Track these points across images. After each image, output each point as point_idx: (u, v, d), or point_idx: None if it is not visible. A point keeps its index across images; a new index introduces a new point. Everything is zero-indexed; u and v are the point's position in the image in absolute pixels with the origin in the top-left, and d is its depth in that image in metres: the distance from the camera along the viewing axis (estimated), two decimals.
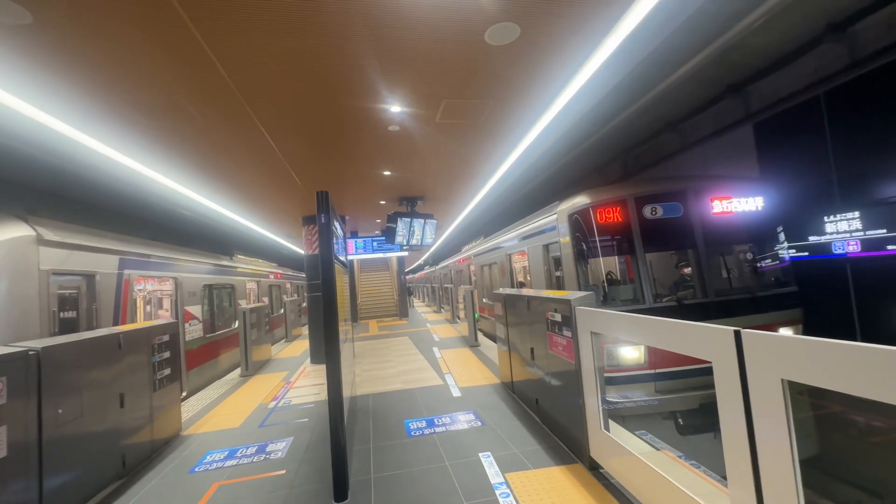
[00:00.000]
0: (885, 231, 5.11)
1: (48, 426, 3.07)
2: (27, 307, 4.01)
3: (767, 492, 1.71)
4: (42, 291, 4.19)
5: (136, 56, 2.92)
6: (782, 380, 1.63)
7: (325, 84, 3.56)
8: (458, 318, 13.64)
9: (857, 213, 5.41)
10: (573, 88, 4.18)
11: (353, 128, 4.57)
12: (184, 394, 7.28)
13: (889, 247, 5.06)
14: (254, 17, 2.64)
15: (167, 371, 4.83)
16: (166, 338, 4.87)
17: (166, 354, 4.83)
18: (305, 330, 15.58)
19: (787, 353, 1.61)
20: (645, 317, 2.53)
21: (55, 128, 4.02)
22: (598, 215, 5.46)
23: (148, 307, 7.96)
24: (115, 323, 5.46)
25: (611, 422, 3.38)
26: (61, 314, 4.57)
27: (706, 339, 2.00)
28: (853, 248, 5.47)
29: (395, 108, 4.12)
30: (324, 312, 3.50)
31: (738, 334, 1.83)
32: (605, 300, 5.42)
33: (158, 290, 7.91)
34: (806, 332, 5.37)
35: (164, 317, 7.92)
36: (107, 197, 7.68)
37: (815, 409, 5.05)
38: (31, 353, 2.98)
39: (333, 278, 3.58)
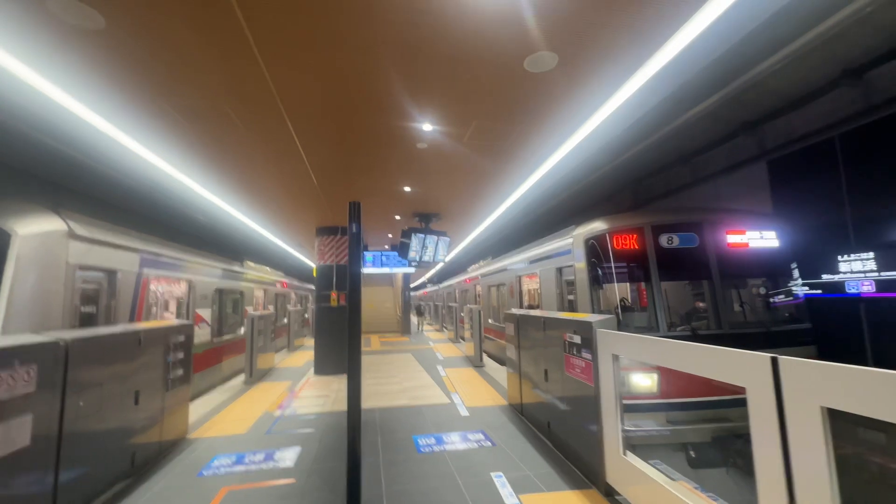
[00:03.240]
0: None
1: (69, 418, 3.07)
2: (52, 299, 4.06)
3: None
4: (67, 285, 4.24)
5: (192, 62, 3.07)
6: (822, 407, 1.66)
7: (363, 100, 3.70)
8: (463, 338, 13.56)
9: (871, 254, 5.46)
10: (599, 118, 4.33)
11: (383, 143, 4.70)
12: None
13: None
14: (306, 32, 2.78)
15: (180, 372, 4.83)
16: (181, 338, 4.89)
17: (180, 355, 4.85)
18: (307, 341, 15.50)
19: (827, 380, 1.64)
20: (675, 341, 2.56)
21: (96, 125, 4.16)
22: (615, 241, 5.53)
23: (161, 307, 7.98)
24: (131, 320, 5.49)
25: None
26: (82, 308, 4.62)
27: (741, 365, 2.03)
28: (867, 287, 5.49)
29: (427, 126, 4.26)
30: (348, 324, 3.54)
31: (775, 361, 1.86)
32: (619, 326, 5.42)
33: (173, 290, 7.95)
34: None
35: (176, 318, 7.93)
36: (133, 196, 7.83)
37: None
38: (60, 343, 3.02)
39: (359, 291, 3.64)
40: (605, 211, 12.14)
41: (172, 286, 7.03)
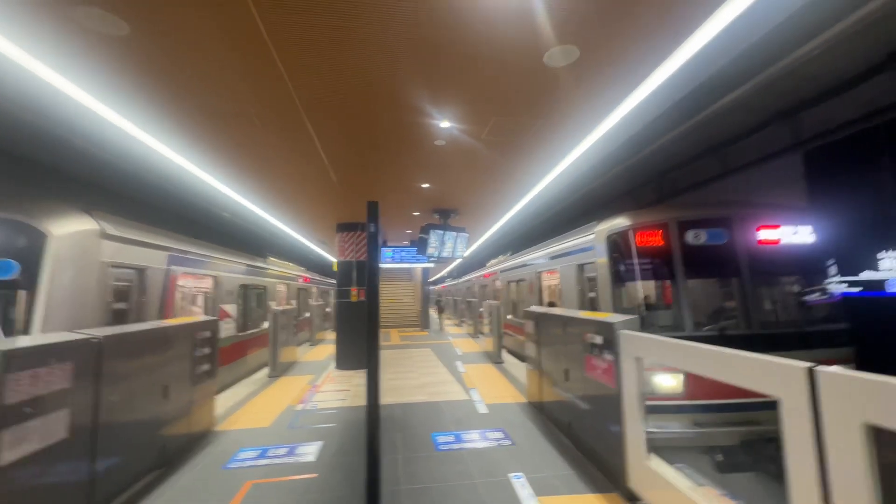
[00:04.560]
0: None
1: (103, 412, 3.20)
2: (87, 297, 4.23)
3: None
4: (100, 282, 4.41)
5: (213, 65, 3.11)
6: (864, 423, 1.56)
7: (379, 98, 3.69)
8: (482, 333, 13.54)
9: None
10: (623, 111, 4.19)
11: (401, 140, 4.68)
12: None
13: None
14: (323, 33, 2.77)
15: (206, 366, 4.98)
16: (207, 334, 5.03)
17: (206, 350, 4.99)
18: (329, 335, 15.78)
19: (871, 394, 1.54)
20: (702, 345, 2.46)
21: (124, 127, 4.29)
22: (639, 238, 5.37)
23: (188, 302, 8.25)
24: (161, 317, 5.69)
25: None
26: (114, 305, 4.80)
27: (774, 374, 1.94)
28: None
29: (445, 123, 4.21)
30: (367, 320, 3.55)
31: (811, 372, 1.76)
32: (643, 325, 5.28)
33: (197, 286, 8.20)
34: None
35: (202, 313, 8.19)
36: (161, 194, 8.08)
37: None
38: (94, 340, 3.15)
39: (377, 288, 3.64)
40: (628, 205, 11.83)
41: (199, 282, 7.23)
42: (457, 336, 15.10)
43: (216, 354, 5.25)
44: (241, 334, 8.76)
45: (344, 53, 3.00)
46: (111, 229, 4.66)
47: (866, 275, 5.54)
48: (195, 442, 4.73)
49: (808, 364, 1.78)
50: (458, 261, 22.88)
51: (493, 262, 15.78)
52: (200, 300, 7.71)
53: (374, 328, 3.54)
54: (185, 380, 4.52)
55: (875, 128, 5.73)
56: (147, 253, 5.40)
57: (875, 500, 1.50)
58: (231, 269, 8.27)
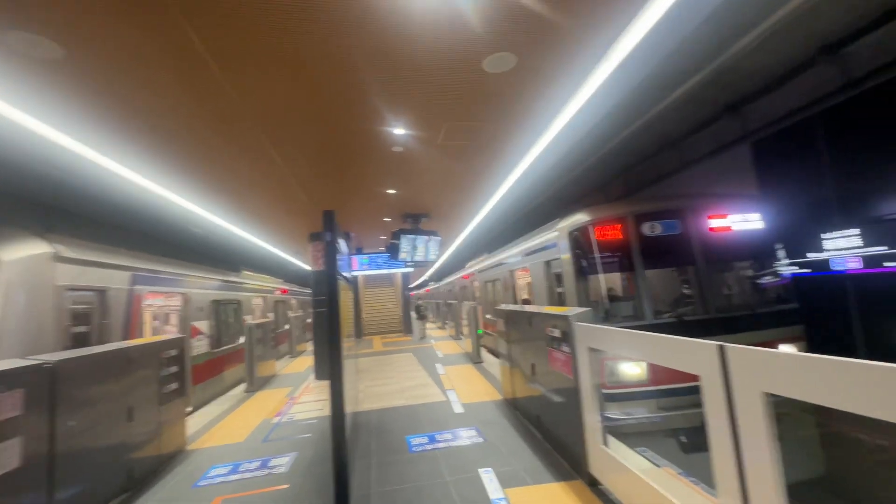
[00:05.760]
0: (885, 248, 5.14)
1: (60, 438, 3.16)
2: (42, 322, 4.15)
3: (755, 501, 1.76)
4: (56, 307, 4.33)
5: (155, 85, 3.12)
6: (763, 392, 1.70)
7: (331, 108, 3.75)
8: (462, 335, 13.64)
9: (857, 231, 5.46)
10: (571, 111, 4.35)
11: (359, 148, 4.75)
12: (189, 408, 7.34)
13: (886, 263, 5.09)
14: (270, 51, 2.83)
15: (174, 385, 4.92)
16: (174, 352, 4.97)
17: (174, 369, 4.93)
18: (310, 346, 15.63)
19: (768, 367, 1.69)
20: (637, 332, 2.60)
21: (75, 149, 4.23)
22: (598, 232, 5.56)
23: (156, 322, 8.10)
24: (125, 337, 5.58)
25: (611, 438, 3.41)
26: (74, 329, 4.71)
27: (693, 354, 2.08)
28: (854, 264, 5.50)
29: (399, 130, 4.30)
30: (327, 329, 3.60)
31: (721, 349, 1.90)
32: (607, 316, 5.46)
33: (167, 305, 8.06)
34: (809, 349, 5.36)
35: (171, 332, 8.05)
36: (121, 214, 7.92)
37: (820, 427, 5.01)
38: (46, 366, 3.10)
39: (337, 296, 3.69)
40: (598, 200, 12.13)
41: (166, 301, 7.12)
42: (440, 339, 15.15)
43: (186, 373, 5.19)
44: (215, 350, 8.63)
45: (289, 68, 3.05)
46: (66, 252, 4.58)
47: (812, 256, 5.86)
48: (165, 462, 4.67)
49: (718, 343, 1.92)
50: (439, 264, 22.97)
51: (471, 262, 15.92)
52: (170, 319, 7.59)
53: (336, 338, 3.59)
54: (151, 400, 4.47)
55: (812, 117, 6.07)
56: (107, 274, 5.31)
57: (773, 454, 1.65)
58: (201, 285, 8.15)
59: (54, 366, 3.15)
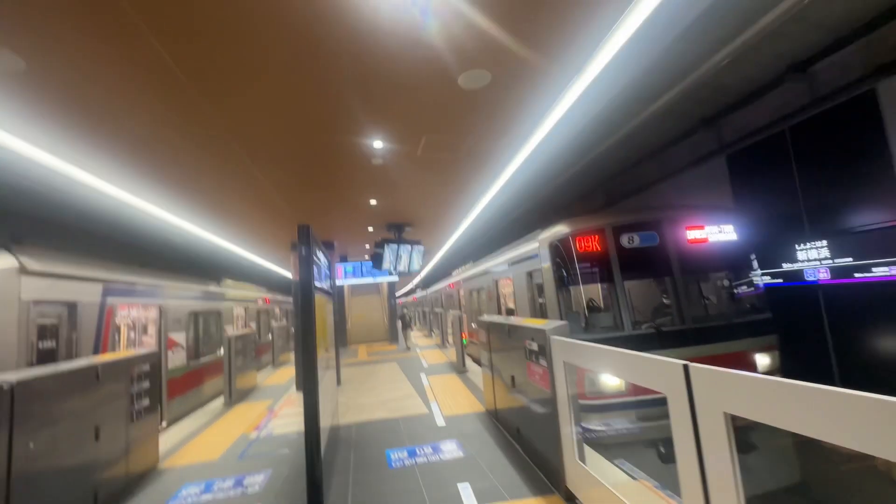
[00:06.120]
0: (850, 259, 5.30)
1: (17, 461, 3.03)
2: (5, 337, 4.00)
3: None
4: (22, 321, 4.18)
5: (123, 96, 3.07)
6: (724, 413, 1.72)
7: (309, 120, 3.73)
8: (448, 343, 13.59)
9: (824, 242, 5.62)
10: (548, 125, 4.41)
11: (339, 160, 4.73)
12: (164, 423, 7.14)
13: (856, 274, 5.24)
14: (240, 63, 2.80)
15: (146, 402, 4.77)
16: (146, 367, 4.83)
17: (145, 385, 4.79)
18: (293, 356, 15.38)
19: (728, 388, 1.71)
20: (609, 349, 2.62)
21: (42, 160, 4.12)
22: (578, 244, 5.61)
23: (132, 334, 7.88)
24: (96, 351, 5.42)
25: (589, 451, 3.41)
26: (40, 344, 4.55)
27: (660, 372, 2.10)
28: (823, 275, 5.65)
29: (378, 143, 4.30)
30: (302, 342, 3.54)
31: (686, 368, 1.92)
32: (586, 327, 5.50)
33: (143, 316, 7.86)
34: (782, 358, 5.46)
35: (148, 344, 7.84)
36: (93, 224, 7.72)
37: (797, 436, 5.10)
38: (3, 387, 2.98)
39: (312, 309, 3.64)
40: (581, 211, 12.28)
41: (141, 313, 6.94)
42: (425, 347, 15.07)
43: (158, 388, 5.05)
44: (192, 363, 8.43)
45: (264, 80, 3.03)
46: (33, 264, 4.43)
47: (786, 266, 6.00)
48: (135, 483, 4.51)
49: (683, 362, 1.94)
50: (424, 272, 22.90)
51: (456, 271, 15.92)
52: (146, 331, 7.39)
53: (311, 350, 3.54)
54: (120, 418, 4.32)
55: (783, 132, 6.27)
56: (77, 286, 5.16)
57: (735, 470, 1.67)
58: (179, 295, 7.98)
59: (13, 385, 3.03)
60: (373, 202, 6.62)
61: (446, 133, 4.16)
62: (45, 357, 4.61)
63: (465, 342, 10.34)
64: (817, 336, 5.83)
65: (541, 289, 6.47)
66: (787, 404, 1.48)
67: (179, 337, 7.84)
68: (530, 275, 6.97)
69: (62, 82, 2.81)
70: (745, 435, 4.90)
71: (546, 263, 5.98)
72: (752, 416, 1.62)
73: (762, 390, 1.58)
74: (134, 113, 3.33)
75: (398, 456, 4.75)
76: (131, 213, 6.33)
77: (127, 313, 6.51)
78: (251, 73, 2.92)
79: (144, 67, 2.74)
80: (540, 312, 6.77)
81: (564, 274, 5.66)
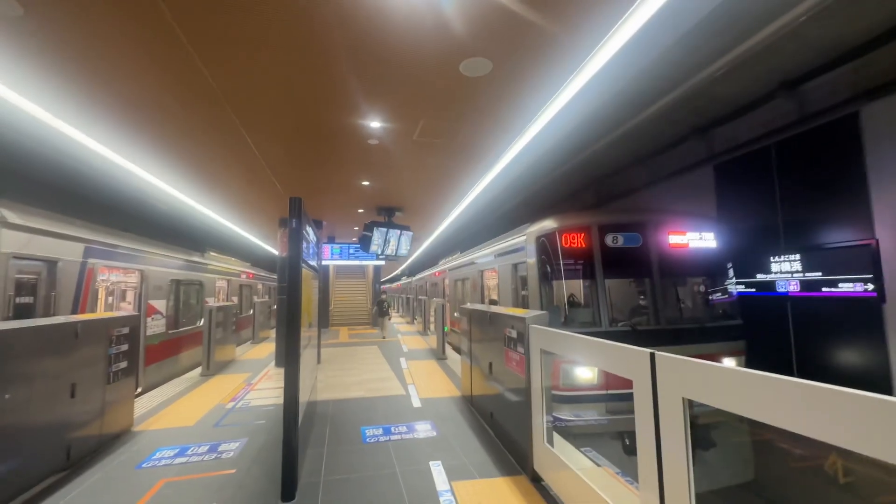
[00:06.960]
0: (820, 274, 5.55)
1: None
2: None
3: (668, 494, 1.92)
4: (0, 274, 4.13)
5: (122, 54, 3.03)
6: (683, 398, 1.85)
7: (307, 96, 3.73)
8: (429, 331, 13.72)
9: (798, 256, 5.86)
10: (544, 119, 4.48)
11: (334, 138, 4.73)
12: (139, 389, 7.11)
13: (823, 289, 5.49)
14: (242, 31, 2.79)
15: (123, 364, 4.77)
16: (126, 330, 4.82)
17: (124, 347, 4.78)
18: (273, 333, 15.34)
19: (688, 375, 1.83)
20: (585, 337, 2.74)
21: (30, 111, 4.03)
22: (564, 240, 5.73)
23: (110, 298, 7.79)
24: (75, 311, 5.36)
25: (557, 438, 3.56)
26: (17, 299, 4.49)
27: (629, 360, 2.22)
28: (794, 287, 5.90)
29: (375, 123, 4.32)
30: (287, 315, 3.59)
31: (652, 356, 2.04)
32: (566, 321, 5.65)
33: (123, 281, 7.76)
34: (748, 363, 5.72)
35: (126, 309, 7.76)
36: (79, 183, 7.55)
37: (753, 436, 5.37)
38: None
39: (299, 282, 3.69)
40: (569, 208, 12.45)
41: (122, 276, 6.86)
42: (407, 333, 15.19)
43: (136, 352, 5.04)
44: (172, 332, 8.38)
45: (265, 51, 3.03)
46: (14, 217, 4.36)
47: (760, 277, 6.24)
48: (109, 443, 4.53)
49: (651, 350, 2.06)
50: (412, 259, 22.93)
51: (443, 260, 16.01)
52: (126, 295, 7.31)
53: (295, 324, 3.59)
54: (97, 378, 4.32)
55: (769, 147, 6.47)
56: (59, 244, 5.08)
57: (687, 454, 1.80)
58: (161, 262, 7.89)
59: None
60: (365, 183, 6.63)
61: (444, 119, 4.20)
62: (23, 313, 4.56)
63: (446, 329, 10.47)
64: (782, 344, 6.11)
65: (524, 281, 6.60)
66: (738, 390, 1.61)
67: (160, 304, 7.78)
68: (515, 267, 7.10)
69: (59, 34, 2.76)
70: (706, 433, 5.14)
71: (532, 257, 6.10)
72: (707, 400, 1.75)
73: (717, 378, 1.71)
74: (131, 71, 3.29)
75: (373, 433, 4.86)
76: (119, 173, 6.22)
77: (108, 276, 6.43)
78: (252, 41, 2.91)
79: (145, 25, 2.72)
80: (522, 304, 6.91)
81: (548, 268, 5.79)
